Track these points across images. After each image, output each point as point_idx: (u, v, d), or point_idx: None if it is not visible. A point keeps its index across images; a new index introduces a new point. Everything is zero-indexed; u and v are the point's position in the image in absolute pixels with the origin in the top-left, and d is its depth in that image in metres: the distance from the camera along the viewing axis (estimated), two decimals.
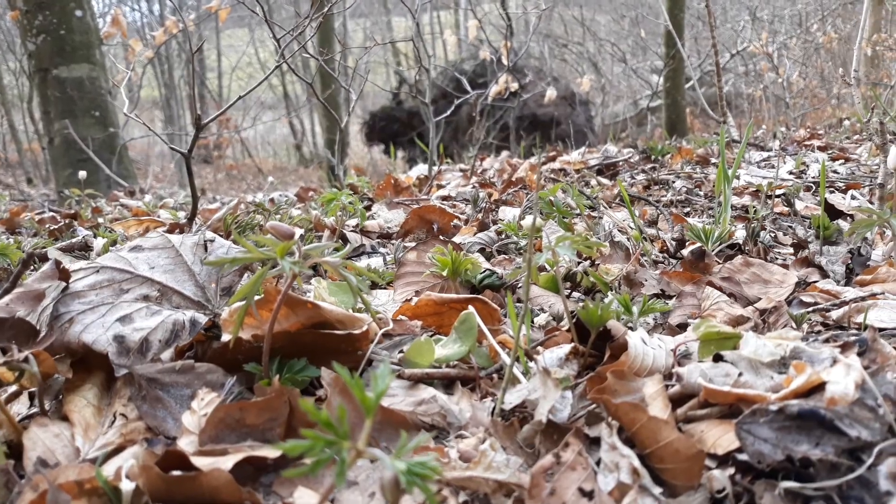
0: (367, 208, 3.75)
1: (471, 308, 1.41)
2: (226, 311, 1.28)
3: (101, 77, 7.28)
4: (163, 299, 1.34)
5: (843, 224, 1.98)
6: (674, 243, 1.94)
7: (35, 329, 1.21)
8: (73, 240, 2.42)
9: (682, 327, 1.58)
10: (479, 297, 1.51)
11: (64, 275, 1.32)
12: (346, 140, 15.41)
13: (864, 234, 1.72)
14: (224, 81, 26.02)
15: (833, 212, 2.27)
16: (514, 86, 7.02)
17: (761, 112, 10.90)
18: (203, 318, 1.29)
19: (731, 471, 0.99)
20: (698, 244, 1.88)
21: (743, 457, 0.99)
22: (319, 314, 1.26)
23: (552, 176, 3.71)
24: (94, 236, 2.52)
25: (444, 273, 1.65)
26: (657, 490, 0.97)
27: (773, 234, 1.98)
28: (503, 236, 2.13)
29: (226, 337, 1.25)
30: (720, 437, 1.05)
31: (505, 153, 6.45)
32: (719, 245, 1.90)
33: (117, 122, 7.40)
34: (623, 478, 0.97)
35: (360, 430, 1.10)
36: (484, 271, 1.77)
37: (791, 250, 1.98)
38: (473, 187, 4.03)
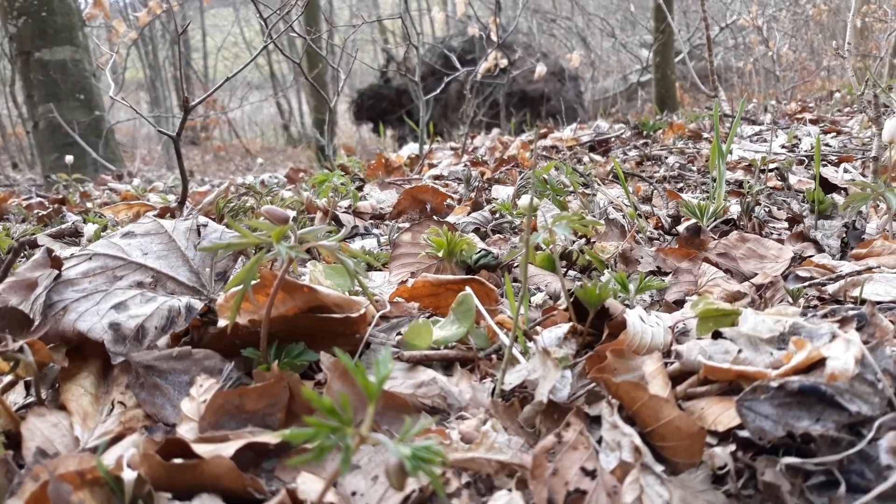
0: (359, 189, 3.72)
1: (468, 289, 1.40)
2: (222, 297, 1.27)
3: (84, 59, 7.17)
4: (157, 285, 1.33)
5: (838, 198, 1.98)
6: (669, 220, 1.94)
7: (28, 318, 1.20)
8: (63, 226, 2.40)
9: (679, 304, 1.58)
10: (476, 277, 1.50)
11: (56, 263, 1.30)
12: (335, 119, 15.30)
13: (859, 207, 1.72)
14: (209, 62, 25.73)
15: (826, 185, 2.27)
16: (504, 62, 6.96)
17: (751, 85, 10.87)
18: (199, 304, 1.28)
19: (733, 447, 1.00)
20: (693, 220, 1.88)
21: (744, 433, 0.99)
22: (316, 298, 1.25)
23: (544, 153, 3.69)
24: (84, 222, 2.50)
25: (440, 254, 1.64)
26: (659, 468, 0.97)
27: (767, 209, 1.98)
28: (497, 216, 2.12)
29: (222, 322, 1.24)
30: (720, 413, 1.05)
31: (496, 131, 6.42)
32: (714, 221, 1.89)
33: (102, 105, 7.31)
34: (625, 456, 0.97)
35: (361, 414, 1.10)
36: (479, 251, 1.77)
37: (786, 225, 1.98)
38: (465, 166, 4.01)
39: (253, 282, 1.26)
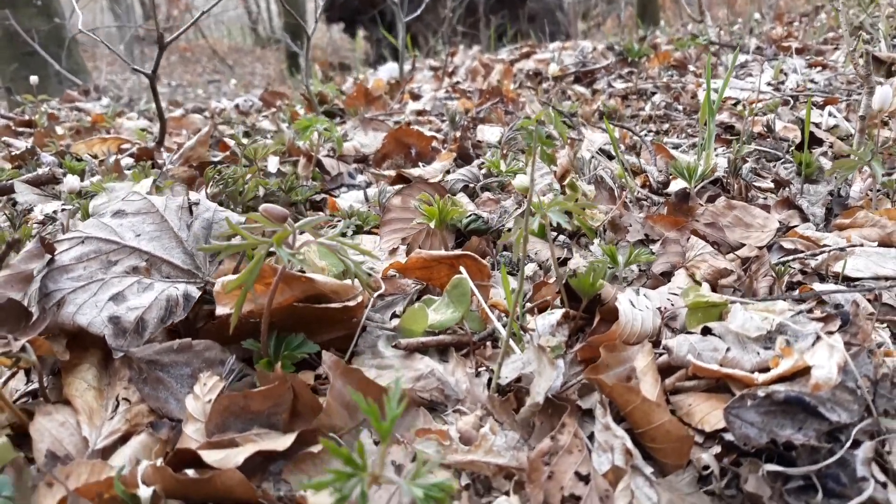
0: (340, 121, 3.65)
1: (463, 271, 1.42)
2: (218, 283, 1.27)
3: None
4: (152, 269, 1.33)
5: (825, 161, 1.99)
6: (658, 182, 1.95)
7: (27, 311, 1.19)
8: (40, 171, 2.34)
9: (666, 275, 1.62)
10: (469, 253, 1.51)
11: (48, 248, 1.29)
12: (305, 18, 14.71)
13: (845, 176, 1.74)
14: None
15: (811, 138, 2.27)
16: None
17: None
18: (196, 292, 1.28)
19: (718, 449, 1.05)
20: (682, 183, 1.89)
21: (729, 437, 1.04)
22: (314, 287, 1.26)
23: (528, 84, 3.62)
24: (61, 166, 2.43)
25: (432, 224, 1.64)
26: (648, 470, 1.02)
27: (753, 168, 1.99)
28: (485, 169, 2.11)
29: (220, 309, 1.25)
30: (708, 413, 1.11)
31: (476, 48, 6.25)
32: (703, 182, 1.90)
33: (62, 12, 6.94)
34: (617, 460, 1.02)
35: (360, 416, 1.13)
36: (470, 215, 1.77)
37: (772, 185, 2.00)
38: (448, 94, 3.93)
39: None
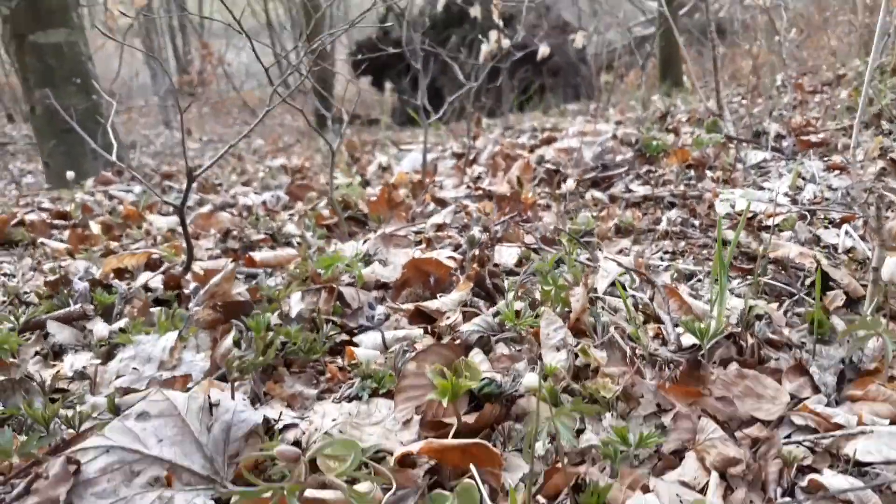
0: (362, 223, 3.73)
1: (474, 473, 1.45)
2: (234, 500, 1.32)
3: (80, 42, 7.03)
4: (173, 478, 1.38)
5: (837, 322, 2.00)
6: (672, 342, 1.98)
7: None
8: (71, 308, 2.43)
9: (677, 453, 1.63)
10: (480, 442, 1.55)
11: (74, 462, 1.35)
12: (334, 67, 15.05)
13: (858, 346, 1.75)
14: (205, 8, 25.13)
15: (825, 276, 2.28)
16: (506, 42, 6.84)
17: (756, 44, 10.62)
18: None
19: None
20: (693, 342, 1.92)
21: None
22: None
23: (547, 190, 3.68)
24: (92, 301, 2.53)
25: (444, 401, 1.68)
26: None
27: (766, 325, 2.00)
28: (500, 318, 2.15)
29: None
30: None
31: (497, 132, 6.35)
32: (715, 338, 1.92)
33: (100, 90, 7.20)
34: None
35: None
36: (483, 380, 1.81)
37: (785, 336, 2.01)
38: (469, 191, 4.01)
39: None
